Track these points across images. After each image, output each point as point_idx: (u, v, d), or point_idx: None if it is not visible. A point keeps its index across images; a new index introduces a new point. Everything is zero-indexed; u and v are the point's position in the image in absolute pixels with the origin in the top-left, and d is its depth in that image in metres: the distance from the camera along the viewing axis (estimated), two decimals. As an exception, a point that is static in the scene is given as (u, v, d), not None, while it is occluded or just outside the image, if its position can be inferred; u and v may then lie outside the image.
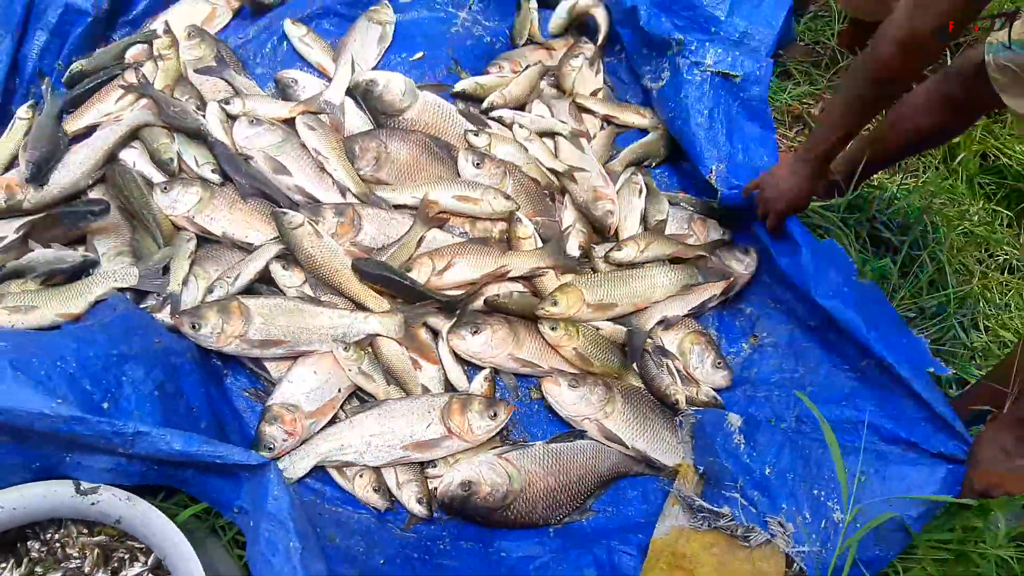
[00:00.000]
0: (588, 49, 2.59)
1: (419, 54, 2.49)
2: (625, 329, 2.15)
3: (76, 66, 2.31)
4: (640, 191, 2.31)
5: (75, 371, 1.64)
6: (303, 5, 2.48)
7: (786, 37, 2.52)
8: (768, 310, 2.26)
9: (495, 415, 1.88)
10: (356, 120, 2.29)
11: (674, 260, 2.26)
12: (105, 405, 1.65)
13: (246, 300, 1.88)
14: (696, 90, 2.29)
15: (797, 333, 2.16)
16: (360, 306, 2.03)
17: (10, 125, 2.22)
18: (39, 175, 2.07)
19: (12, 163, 2.21)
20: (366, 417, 1.85)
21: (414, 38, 2.52)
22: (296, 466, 1.83)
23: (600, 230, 2.27)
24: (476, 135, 2.26)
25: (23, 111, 2.23)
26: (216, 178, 2.11)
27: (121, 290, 1.97)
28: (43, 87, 2.25)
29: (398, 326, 1.96)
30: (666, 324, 2.16)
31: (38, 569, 1.63)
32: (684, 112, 2.27)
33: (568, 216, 2.26)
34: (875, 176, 2.67)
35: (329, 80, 2.33)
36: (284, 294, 2.02)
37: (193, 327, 1.82)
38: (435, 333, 2.06)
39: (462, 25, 2.58)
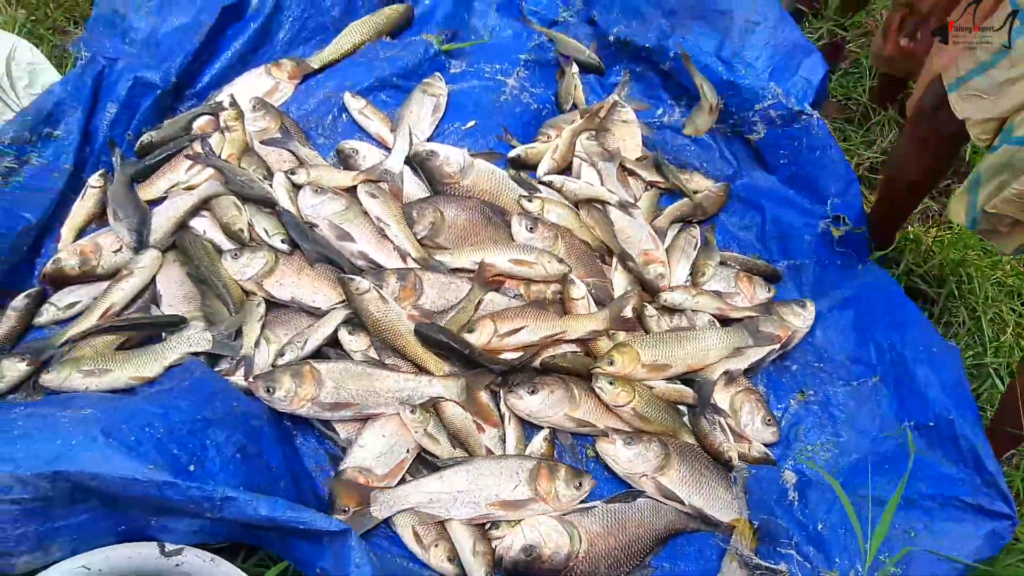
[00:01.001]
0: (628, 114, 2.71)
1: (471, 123, 2.61)
2: (680, 387, 2.21)
3: (146, 137, 2.42)
4: (695, 244, 2.40)
5: (163, 436, 1.71)
6: (361, 78, 2.61)
7: (820, 95, 2.67)
8: (813, 368, 2.33)
9: (580, 485, 1.93)
10: (414, 187, 2.39)
11: (723, 321, 2.34)
12: (192, 468, 1.71)
13: (317, 364, 1.95)
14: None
15: (844, 391, 2.25)
16: (422, 369, 2.09)
17: (82, 193, 2.34)
18: (141, 241, 2.18)
19: (85, 230, 2.32)
20: (456, 473, 1.90)
21: (466, 107, 2.64)
22: (383, 509, 1.87)
23: (651, 292, 2.35)
24: (529, 200, 2.36)
25: (95, 179, 2.35)
26: (285, 247, 2.20)
27: (195, 354, 2.05)
28: (113, 158, 2.37)
29: (460, 389, 2.02)
30: (729, 377, 2.22)
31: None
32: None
33: (619, 279, 2.34)
34: (911, 228, 2.76)
35: (388, 150, 2.44)
36: (351, 357, 2.09)
37: (268, 391, 1.89)
38: (495, 394, 2.13)
39: (510, 93, 2.70)
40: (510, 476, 1.91)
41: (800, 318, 2.32)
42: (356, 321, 2.12)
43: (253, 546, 1.81)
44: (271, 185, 2.31)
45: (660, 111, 2.85)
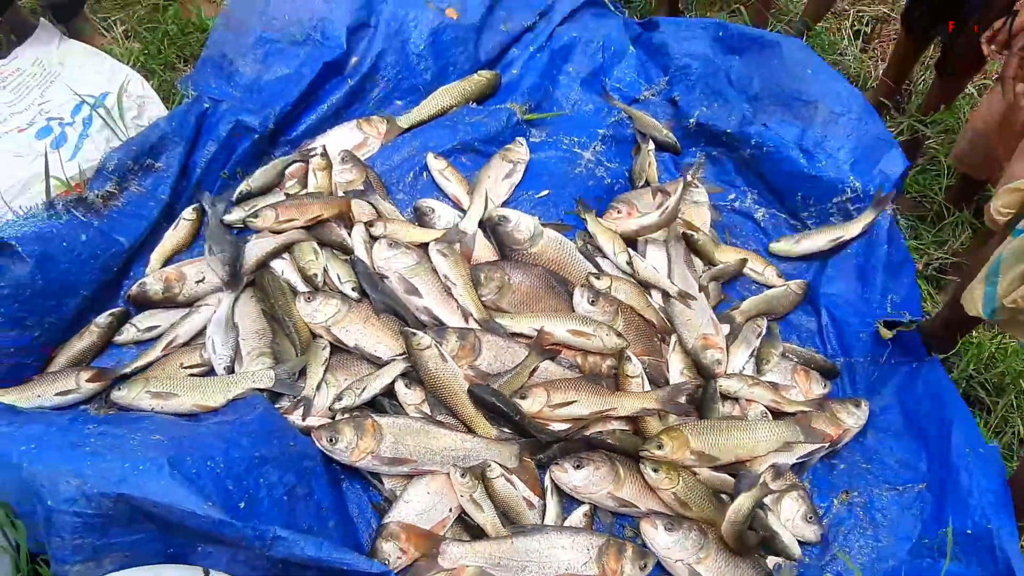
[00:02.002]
0: (701, 195, 2.75)
1: (544, 192, 2.68)
2: (724, 476, 2.19)
3: (244, 186, 2.56)
4: (759, 333, 2.40)
5: (221, 471, 1.79)
6: (445, 140, 2.72)
7: (896, 190, 2.68)
8: (861, 469, 2.29)
9: (645, 566, 1.96)
10: (484, 250, 2.47)
11: (776, 413, 2.32)
12: (242, 505, 1.78)
13: (378, 418, 2.01)
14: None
15: (889, 495, 2.21)
16: (470, 429, 2.13)
17: (175, 224, 2.49)
18: (234, 274, 2.31)
19: (172, 258, 2.46)
20: (529, 539, 1.94)
21: (540, 176, 2.72)
22: (451, 560, 1.90)
23: (707, 375, 2.34)
24: (598, 278, 2.40)
25: (188, 213, 2.50)
26: (355, 295, 2.29)
27: (258, 390, 2.14)
28: (204, 201, 2.51)
29: (512, 456, 2.05)
30: (776, 472, 2.19)
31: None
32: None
33: (676, 360, 2.35)
34: (974, 332, 2.69)
35: (463, 211, 2.53)
36: (405, 410, 2.14)
37: (330, 441, 1.95)
38: (540, 465, 2.14)
39: (585, 166, 2.77)
40: (581, 551, 1.94)
41: (853, 417, 2.29)
42: (414, 375, 2.17)
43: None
44: (350, 233, 2.42)
45: (732, 196, 2.88)
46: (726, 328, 2.45)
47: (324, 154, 2.62)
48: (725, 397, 2.33)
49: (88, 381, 2.13)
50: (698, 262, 2.62)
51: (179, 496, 1.67)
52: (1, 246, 2.11)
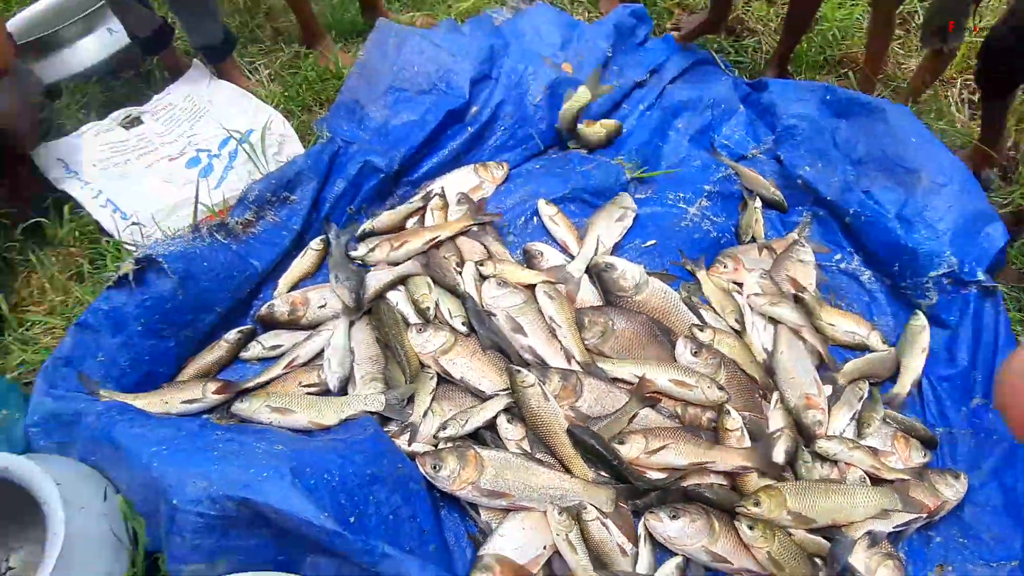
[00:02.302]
0: (807, 254, 2.74)
1: (651, 242, 2.74)
2: (820, 539, 2.13)
3: (367, 225, 2.72)
4: (860, 397, 2.36)
5: (336, 485, 1.88)
6: (556, 188, 2.84)
7: (997, 263, 2.62)
8: (957, 543, 2.20)
9: None
10: (589, 295, 2.54)
11: (873, 479, 2.26)
12: (352, 520, 1.86)
13: (481, 450, 2.08)
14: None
15: (984, 572, 2.11)
16: (567, 469, 2.16)
17: (303, 252, 2.67)
18: (358, 301, 2.46)
19: (298, 284, 2.63)
20: None
21: (647, 227, 2.78)
22: None
23: (807, 438, 2.31)
24: (701, 330, 2.43)
25: (315, 243, 2.68)
26: (464, 329, 2.40)
27: (369, 413, 2.25)
28: (331, 233, 2.68)
29: (609, 500, 2.07)
30: (872, 539, 2.12)
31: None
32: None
33: (776, 418, 2.33)
34: None
35: (570, 256, 2.62)
36: (505, 445, 2.20)
37: (434, 468, 2.02)
38: (637, 513, 2.15)
39: (691, 220, 2.82)
40: None
41: (952, 490, 2.22)
42: (516, 411, 2.24)
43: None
44: (461, 272, 2.54)
45: (838, 256, 2.85)
46: (828, 389, 2.42)
47: (442, 195, 2.78)
48: (823, 459, 2.28)
49: (214, 392, 2.29)
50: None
51: (298, 505, 1.77)
52: (150, 262, 2.31)
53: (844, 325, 2.59)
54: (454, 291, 2.52)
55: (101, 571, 1.77)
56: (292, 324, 2.51)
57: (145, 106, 3.15)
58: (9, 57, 2.57)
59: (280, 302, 2.52)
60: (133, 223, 2.64)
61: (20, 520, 1.99)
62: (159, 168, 2.90)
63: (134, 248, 2.58)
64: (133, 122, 3.07)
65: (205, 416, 2.31)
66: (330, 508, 1.82)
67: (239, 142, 2.86)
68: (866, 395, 2.43)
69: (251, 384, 2.35)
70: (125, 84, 3.38)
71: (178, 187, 2.79)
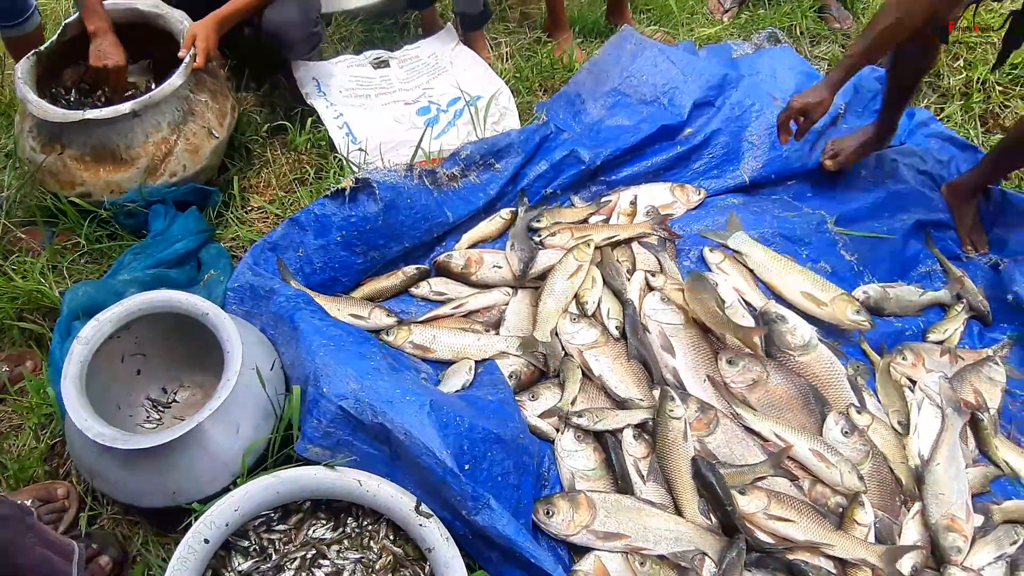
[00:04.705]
0: (999, 373, 2.51)
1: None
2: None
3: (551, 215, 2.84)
4: (1015, 542, 2.15)
5: (464, 431, 1.98)
6: (750, 224, 2.77)
7: None
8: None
9: None
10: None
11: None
12: (467, 467, 1.95)
13: (591, 493, 2.07)
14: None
15: None
16: (677, 505, 2.12)
17: (491, 217, 2.82)
18: (525, 271, 2.60)
19: (478, 244, 2.79)
20: None
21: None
22: None
23: (940, 559, 2.13)
24: (859, 412, 2.30)
25: (505, 212, 2.82)
26: (615, 333, 2.43)
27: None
28: (521, 206, 2.82)
29: (718, 550, 2.02)
30: None
31: (346, 542, 1.94)
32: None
33: (911, 529, 2.16)
34: None
35: (744, 301, 2.56)
36: (624, 456, 2.20)
37: (547, 514, 2.01)
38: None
39: (881, 300, 2.67)
40: None
41: None
42: (646, 429, 2.24)
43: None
44: (631, 277, 2.58)
45: (1032, 386, 2.58)
46: (979, 519, 2.21)
47: (633, 202, 2.82)
48: None
49: (383, 315, 2.49)
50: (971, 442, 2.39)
51: (428, 435, 1.90)
52: (365, 184, 2.55)
53: (1018, 464, 2.35)
54: (618, 294, 2.55)
55: (251, 425, 1.99)
56: (461, 277, 2.67)
57: (395, 52, 3.45)
58: None
59: (458, 255, 2.68)
60: (360, 148, 2.91)
61: (197, 364, 2.26)
62: (394, 108, 3.17)
63: (356, 169, 2.85)
64: (381, 64, 3.38)
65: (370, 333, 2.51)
66: (453, 448, 1.92)
67: (467, 104, 3.06)
68: (1022, 543, 2.19)
69: (421, 319, 2.54)
70: (383, 29, 3.72)
71: (405, 128, 3.04)
